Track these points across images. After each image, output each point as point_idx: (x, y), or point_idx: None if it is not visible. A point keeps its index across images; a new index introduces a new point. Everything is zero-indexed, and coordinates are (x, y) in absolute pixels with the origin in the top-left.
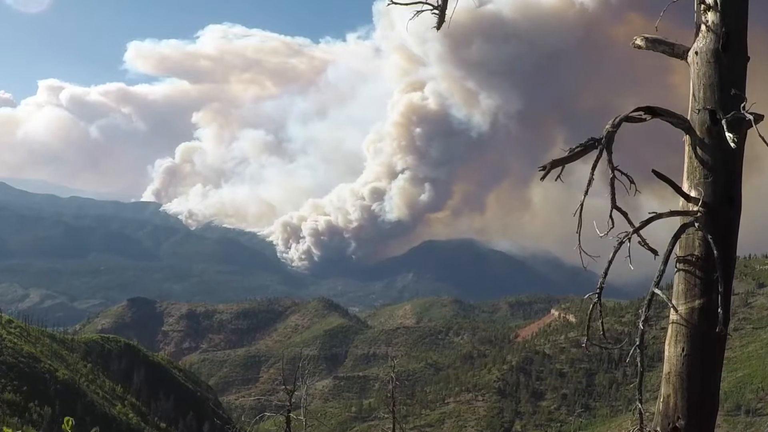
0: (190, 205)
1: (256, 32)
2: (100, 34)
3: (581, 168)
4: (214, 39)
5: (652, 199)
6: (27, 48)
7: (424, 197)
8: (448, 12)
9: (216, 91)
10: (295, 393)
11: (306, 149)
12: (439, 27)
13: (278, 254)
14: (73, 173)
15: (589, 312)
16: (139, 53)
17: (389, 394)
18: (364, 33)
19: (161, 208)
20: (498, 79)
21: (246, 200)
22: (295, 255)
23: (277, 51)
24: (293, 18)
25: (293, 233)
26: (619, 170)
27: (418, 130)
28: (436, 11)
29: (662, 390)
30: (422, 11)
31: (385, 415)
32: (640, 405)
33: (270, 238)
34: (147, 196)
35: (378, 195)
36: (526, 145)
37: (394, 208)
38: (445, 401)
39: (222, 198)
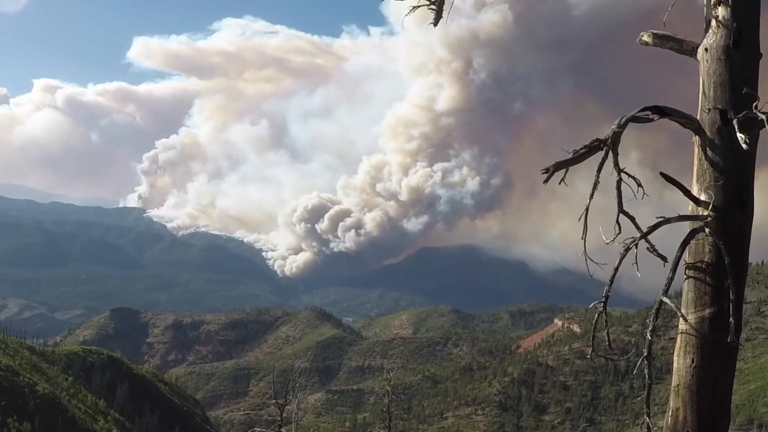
0: (180, 210)
1: (279, 28)
2: (100, 30)
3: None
4: (231, 34)
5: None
6: (20, 46)
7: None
8: (445, 9)
9: (228, 90)
10: (287, 407)
11: (310, 150)
12: (436, 23)
13: (268, 262)
14: (61, 179)
15: (594, 322)
16: (144, 49)
17: (385, 409)
18: (389, 29)
19: (145, 214)
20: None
21: (240, 204)
22: (295, 263)
23: (302, 50)
24: (317, 9)
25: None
26: (625, 173)
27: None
28: (433, 7)
29: (671, 403)
30: (418, 6)
31: (381, 431)
32: (647, 419)
33: (258, 245)
34: (133, 201)
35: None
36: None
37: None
38: (444, 415)
39: (216, 201)
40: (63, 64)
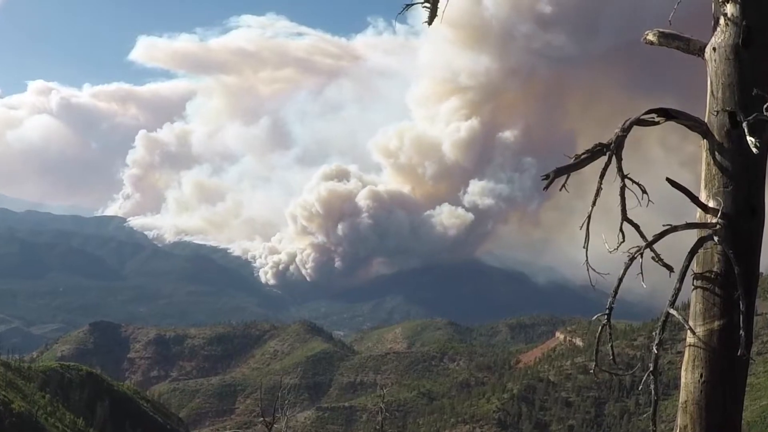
0: (165, 218)
1: (303, 29)
2: (104, 28)
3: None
4: (251, 32)
5: None
6: (13, 44)
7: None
8: (441, 6)
9: (239, 90)
10: (275, 426)
11: (323, 154)
12: (430, 22)
13: (255, 273)
14: (47, 187)
15: (597, 335)
16: (149, 49)
17: (378, 427)
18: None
19: (126, 223)
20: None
21: (237, 210)
22: (285, 272)
23: (324, 51)
24: (341, 4)
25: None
26: (629, 178)
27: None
28: (428, 5)
29: (679, 420)
30: (412, 4)
31: None
32: None
33: (245, 256)
34: (113, 209)
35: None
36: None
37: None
38: None
39: (209, 208)
40: (60, 66)
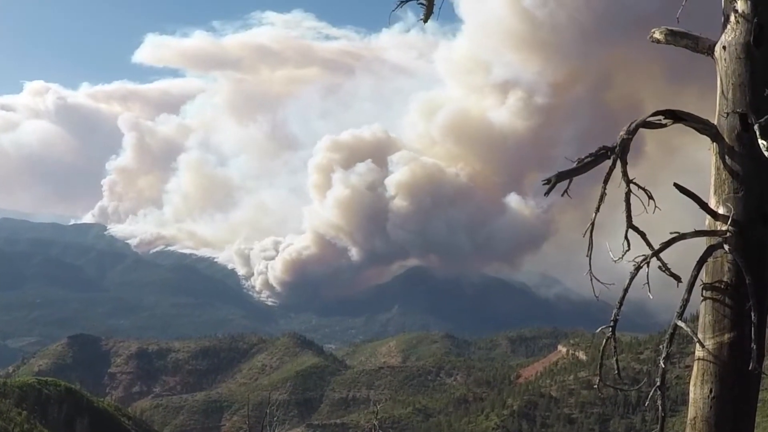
0: (150, 225)
1: (333, 31)
2: (111, 22)
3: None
4: (275, 30)
5: None
6: (14, 44)
7: None
8: (436, 4)
9: (252, 89)
10: None
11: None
12: (426, 20)
13: (242, 283)
14: (37, 195)
15: (601, 348)
16: (157, 48)
17: None
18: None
19: (107, 231)
20: None
21: (223, 215)
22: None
23: (351, 54)
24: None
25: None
26: (635, 184)
27: None
28: (423, 2)
29: None
30: (407, 2)
31: None
32: None
33: (232, 266)
34: (98, 215)
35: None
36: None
37: None
38: None
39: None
40: (63, 67)
